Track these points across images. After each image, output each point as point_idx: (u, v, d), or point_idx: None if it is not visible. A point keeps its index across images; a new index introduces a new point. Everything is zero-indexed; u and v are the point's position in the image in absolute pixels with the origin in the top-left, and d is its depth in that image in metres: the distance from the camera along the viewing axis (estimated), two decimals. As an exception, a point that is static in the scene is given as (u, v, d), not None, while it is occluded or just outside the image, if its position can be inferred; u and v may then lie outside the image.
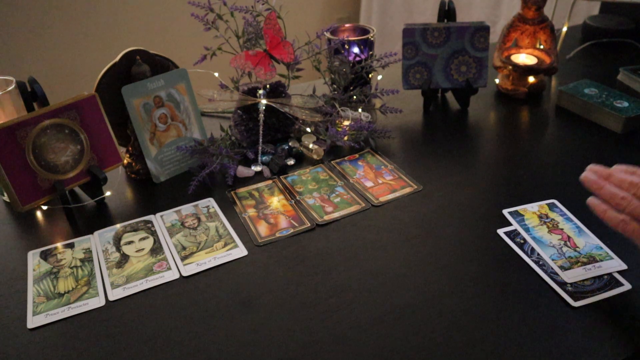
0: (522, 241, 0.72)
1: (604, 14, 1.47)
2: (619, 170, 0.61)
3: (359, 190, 0.83)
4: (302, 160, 0.92)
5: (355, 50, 1.01)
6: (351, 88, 1.00)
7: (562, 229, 0.74)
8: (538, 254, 0.69)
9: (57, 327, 0.62)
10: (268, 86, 0.91)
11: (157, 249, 0.73)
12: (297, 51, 0.93)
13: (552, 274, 0.66)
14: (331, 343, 0.59)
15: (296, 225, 0.77)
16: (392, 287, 0.65)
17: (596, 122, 1.00)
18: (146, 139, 0.85)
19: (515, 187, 0.84)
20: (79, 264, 0.71)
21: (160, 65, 0.87)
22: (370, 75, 1.01)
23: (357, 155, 0.93)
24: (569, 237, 0.72)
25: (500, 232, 0.73)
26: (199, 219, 0.78)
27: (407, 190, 0.83)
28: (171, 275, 0.69)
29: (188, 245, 0.73)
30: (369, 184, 0.85)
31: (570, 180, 0.84)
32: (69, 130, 0.77)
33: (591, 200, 0.61)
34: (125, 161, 0.89)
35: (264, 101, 0.90)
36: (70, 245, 0.74)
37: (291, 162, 0.91)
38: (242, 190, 0.85)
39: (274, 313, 0.63)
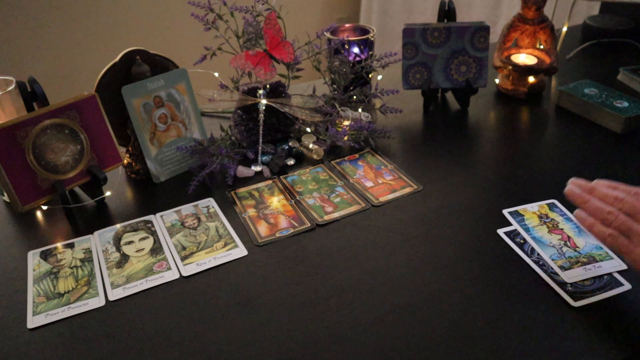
0: (522, 241, 0.72)
1: (604, 14, 1.47)
2: (602, 185, 0.62)
3: (359, 190, 0.83)
4: (302, 160, 0.92)
5: (355, 50, 1.01)
6: (351, 88, 1.00)
7: (562, 229, 0.74)
8: (538, 254, 0.69)
9: (57, 327, 0.62)
10: (268, 86, 0.91)
11: (157, 249, 0.73)
12: (297, 51, 0.93)
13: (552, 274, 0.66)
14: (331, 343, 0.59)
15: (296, 225, 0.77)
16: (392, 287, 0.65)
17: (596, 122, 1.00)
18: (146, 139, 0.85)
19: (515, 187, 0.84)
20: (79, 264, 0.71)
21: (160, 65, 0.87)
22: (370, 75, 1.01)
23: (357, 155, 0.93)
24: (569, 237, 0.72)
25: (500, 232, 0.73)
26: (199, 219, 0.78)
27: (407, 190, 0.83)
28: (171, 275, 0.69)
29: (188, 245, 0.73)
30: (369, 184, 0.85)
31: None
32: (69, 130, 0.77)
33: (578, 214, 0.61)
34: (125, 161, 0.89)
35: (264, 101, 0.90)
36: (70, 245, 0.74)
37: (291, 162, 0.91)
38: (242, 190, 0.85)
39: (274, 313, 0.63)
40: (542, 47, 1.10)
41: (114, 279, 0.68)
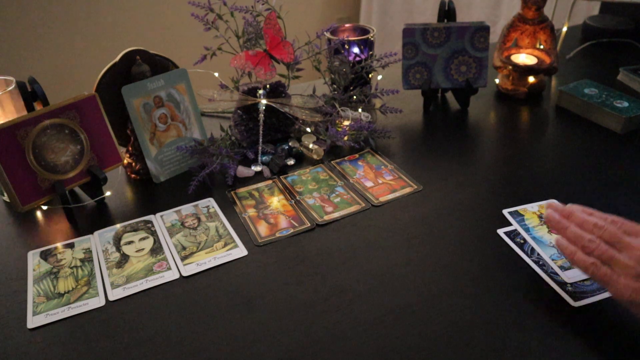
0: (522, 241, 0.72)
1: (604, 14, 1.47)
2: (578, 210, 0.62)
3: (359, 190, 0.83)
4: (302, 160, 0.92)
5: (355, 50, 1.01)
6: (351, 88, 1.00)
7: None
8: (538, 254, 0.69)
9: (57, 327, 0.62)
10: (268, 86, 0.91)
11: (157, 249, 0.73)
12: (297, 51, 0.93)
13: (552, 274, 0.66)
14: (331, 343, 0.59)
15: (296, 225, 0.77)
16: (392, 287, 0.65)
17: (596, 122, 1.00)
18: (146, 139, 0.85)
19: (515, 187, 0.84)
20: (79, 264, 0.71)
21: (160, 65, 0.87)
22: (370, 75, 1.01)
23: (357, 155, 0.93)
24: None
25: (500, 232, 0.73)
26: (199, 219, 0.78)
27: (407, 190, 0.83)
28: (171, 275, 0.69)
29: (188, 245, 0.73)
30: (369, 184, 0.85)
31: (570, 180, 0.84)
32: (69, 130, 0.77)
33: (559, 241, 0.61)
34: (125, 161, 0.89)
35: (264, 101, 0.90)
36: (70, 245, 0.74)
37: (291, 162, 0.91)
38: (242, 190, 0.85)
39: (274, 313, 0.63)
40: (542, 47, 1.10)
41: (114, 279, 0.68)
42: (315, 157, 0.92)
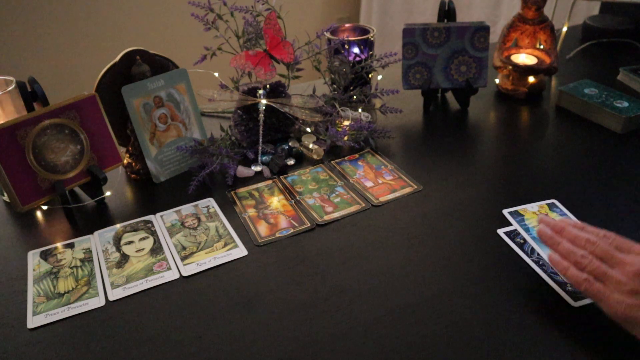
0: (522, 241, 0.72)
1: (604, 14, 1.47)
2: (570, 225, 0.63)
3: (359, 190, 0.83)
4: (302, 160, 0.92)
5: (355, 50, 1.01)
6: (351, 88, 1.00)
7: None
8: (538, 254, 0.69)
9: (57, 327, 0.62)
10: (268, 86, 0.91)
11: (157, 249, 0.73)
12: (297, 51, 0.93)
13: (552, 274, 0.66)
14: (331, 343, 0.59)
15: (296, 225, 0.77)
16: (392, 287, 0.65)
17: (596, 122, 1.00)
18: (146, 139, 0.85)
19: (515, 187, 0.84)
20: (79, 264, 0.71)
21: (160, 65, 0.87)
22: (370, 75, 1.01)
23: (357, 155, 0.93)
24: None
25: (500, 232, 0.73)
26: (199, 219, 0.78)
27: (407, 190, 0.83)
28: (171, 275, 0.69)
29: (188, 245, 0.73)
30: (369, 184, 0.85)
31: (570, 180, 0.84)
32: (69, 130, 0.77)
33: (551, 257, 0.62)
34: (125, 161, 0.89)
35: (264, 101, 0.90)
36: (70, 245, 0.74)
37: (291, 162, 0.91)
38: (242, 190, 0.85)
39: (274, 313, 0.63)
40: (542, 47, 1.10)
41: (114, 279, 0.68)
42: (315, 157, 0.92)
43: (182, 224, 0.78)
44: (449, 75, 1.05)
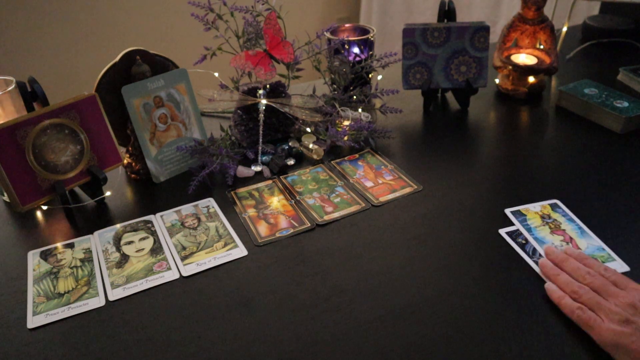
0: (524, 242, 0.72)
1: (604, 14, 1.47)
2: (571, 256, 0.65)
3: (359, 190, 0.83)
4: (302, 160, 0.92)
5: (355, 50, 1.01)
6: (351, 88, 1.00)
7: (564, 230, 0.73)
8: (540, 255, 0.69)
9: (57, 327, 0.62)
10: (268, 86, 0.91)
11: (157, 249, 0.73)
12: (297, 51, 0.93)
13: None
14: (331, 343, 0.59)
15: (296, 225, 0.77)
16: (392, 287, 0.65)
17: (596, 122, 1.00)
18: (146, 139, 0.85)
19: (515, 187, 0.84)
20: (79, 264, 0.71)
21: (160, 65, 0.87)
22: (370, 75, 1.01)
23: (357, 155, 0.93)
24: (571, 238, 0.72)
25: (502, 232, 0.73)
26: (199, 219, 0.78)
27: (407, 190, 0.83)
28: (171, 275, 0.69)
29: (188, 245, 0.73)
30: (369, 184, 0.85)
31: (570, 180, 0.84)
32: (69, 130, 0.77)
33: (548, 287, 0.63)
34: (125, 161, 0.89)
35: (264, 101, 0.90)
36: (70, 245, 0.74)
37: (291, 162, 0.91)
38: (242, 190, 0.85)
39: (274, 313, 0.63)
40: (542, 47, 1.10)
41: (114, 279, 0.68)
42: (315, 157, 0.92)
43: (182, 224, 0.78)
44: (449, 75, 1.05)
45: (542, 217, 0.76)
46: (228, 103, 0.91)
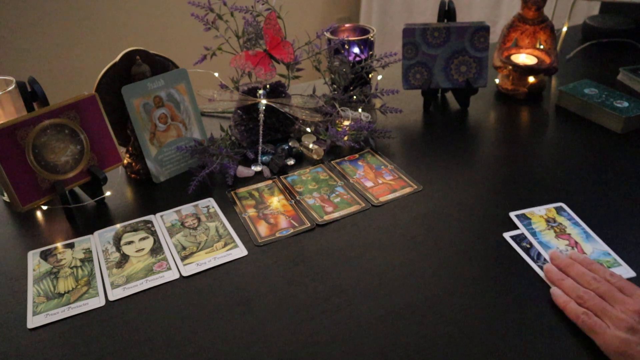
0: (528, 245, 0.70)
1: (604, 14, 1.47)
2: (576, 261, 0.65)
3: (359, 190, 0.83)
4: (302, 160, 0.92)
5: (355, 50, 1.01)
6: (351, 88, 1.00)
7: (569, 234, 0.72)
8: (545, 260, 0.68)
9: (57, 327, 0.62)
10: (268, 86, 0.91)
11: (157, 249, 0.73)
12: (297, 51, 0.93)
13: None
14: (331, 343, 0.59)
15: (296, 225, 0.77)
16: (392, 287, 0.65)
17: (596, 122, 1.00)
18: (146, 139, 0.85)
19: (515, 188, 0.84)
20: (79, 264, 0.71)
21: (160, 65, 0.87)
22: (370, 75, 1.01)
23: (357, 155, 0.93)
24: (576, 242, 0.71)
25: (507, 235, 0.72)
26: (199, 219, 0.78)
27: (407, 190, 0.83)
28: (171, 275, 0.69)
29: (188, 245, 0.73)
30: (369, 184, 0.85)
31: (569, 180, 0.84)
32: (69, 130, 0.77)
33: (554, 291, 0.63)
34: (125, 161, 0.89)
35: (264, 101, 0.90)
36: (70, 245, 0.74)
37: (291, 162, 0.91)
38: (242, 190, 0.85)
39: (274, 313, 0.63)
40: (542, 47, 1.10)
41: (114, 279, 0.68)
42: (315, 157, 0.92)
43: (182, 224, 0.78)
44: (449, 75, 1.05)
45: (547, 221, 0.74)
46: (228, 103, 0.91)
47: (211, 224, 0.77)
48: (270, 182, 0.86)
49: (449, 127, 1.02)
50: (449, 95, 1.13)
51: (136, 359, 0.58)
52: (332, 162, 0.91)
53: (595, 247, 0.70)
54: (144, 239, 0.75)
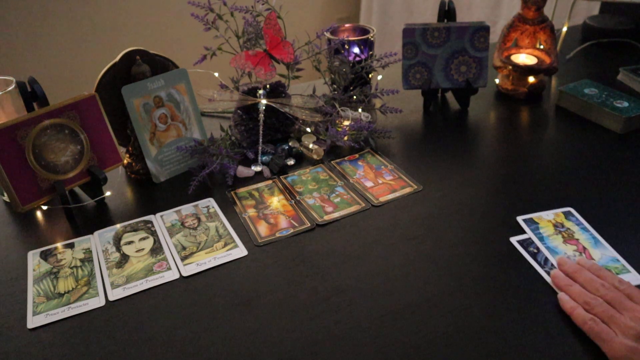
0: (535, 250, 0.70)
1: (604, 14, 1.47)
2: (584, 267, 0.64)
3: (359, 190, 0.83)
4: (302, 160, 0.92)
5: (355, 50, 1.01)
6: (351, 88, 1.00)
7: (577, 239, 0.71)
8: (552, 265, 0.67)
9: (57, 327, 0.62)
10: (268, 86, 0.91)
11: (157, 249, 0.73)
12: (297, 51, 0.93)
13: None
14: (331, 343, 0.59)
15: (296, 225, 0.77)
16: (392, 287, 0.65)
17: (596, 122, 1.00)
18: (146, 139, 0.85)
19: (515, 187, 0.84)
20: (79, 264, 0.71)
21: (160, 65, 0.87)
22: (370, 75, 1.01)
23: (357, 155, 0.93)
24: (584, 248, 0.70)
25: (513, 240, 0.71)
26: (199, 219, 0.78)
27: (407, 190, 0.83)
28: (171, 275, 0.69)
29: (188, 245, 0.73)
30: (369, 184, 0.85)
31: (569, 180, 0.84)
32: (69, 130, 0.77)
33: (561, 297, 0.62)
34: (125, 161, 0.89)
35: (264, 101, 0.90)
36: (70, 245, 0.74)
37: (291, 162, 0.91)
38: (242, 190, 0.85)
39: (274, 313, 0.63)
40: (542, 47, 1.10)
41: (114, 279, 0.68)
42: (315, 157, 0.92)
43: (182, 224, 0.78)
44: (449, 75, 1.05)
45: (555, 226, 0.73)
46: (228, 103, 0.91)
47: (211, 224, 0.77)
48: (270, 182, 0.86)
49: (449, 127, 1.02)
50: (449, 95, 1.13)
51: (136, 359, 0.58)
52: (332, 162, 0.91)
53: (604, 253, 0.69)
54: (144, 239, 0.75)
